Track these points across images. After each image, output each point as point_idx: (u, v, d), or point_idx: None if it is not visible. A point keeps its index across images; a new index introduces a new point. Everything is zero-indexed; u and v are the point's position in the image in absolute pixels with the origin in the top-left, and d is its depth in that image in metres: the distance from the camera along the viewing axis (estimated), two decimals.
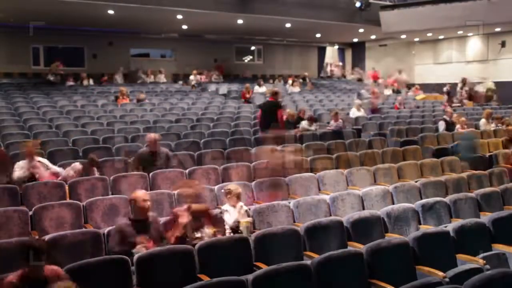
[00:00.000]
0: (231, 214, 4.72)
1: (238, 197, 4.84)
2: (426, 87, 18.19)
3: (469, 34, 18.68)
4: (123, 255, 3.73)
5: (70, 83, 14.32)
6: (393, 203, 5.56)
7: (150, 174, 6.12)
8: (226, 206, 4.81)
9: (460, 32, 18.20)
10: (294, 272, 3.51)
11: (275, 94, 8.92)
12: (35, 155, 6.00)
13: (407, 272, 3.89)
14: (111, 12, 13.03)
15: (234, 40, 19.40)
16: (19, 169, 5.79)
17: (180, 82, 16.48)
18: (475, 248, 4.27)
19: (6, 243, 3.99)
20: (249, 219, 4.69)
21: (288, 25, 16.20)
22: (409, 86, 18.24)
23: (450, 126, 10.09)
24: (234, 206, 4.78)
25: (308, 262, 3.72)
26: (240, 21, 15.38)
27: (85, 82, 14.82)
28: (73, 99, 11.74)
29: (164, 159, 6.49)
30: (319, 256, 3.77)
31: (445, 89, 17.02)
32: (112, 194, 5.63)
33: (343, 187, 6.40)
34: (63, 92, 12.16)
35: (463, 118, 10.23)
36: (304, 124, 9.81)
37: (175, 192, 5.41)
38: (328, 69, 21.56)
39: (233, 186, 4.93)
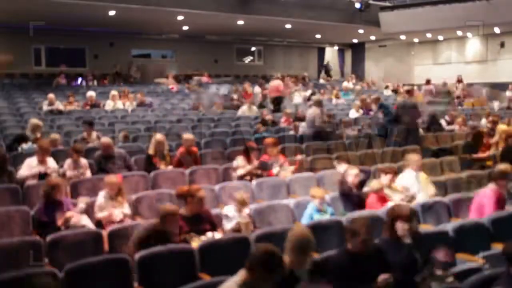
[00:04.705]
0: (233, 218, 4.71)
1: (244, 204, 4.83)
2: None
3: (468, 35, 18.72)
4: None
5: (63, 80, 14.37)
6: None
7: (151, 174, 6.16)
8: (228, 210, 4.80)
9: (459, 33, 18.24)
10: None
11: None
12: (49, 154, 6.01)
13: None
14: (112, 13, 13.07)
15: (235, 41, 19.46)
16: (28, 168, 5.77)
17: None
18: (475, 247, 4.28)
19: (7, 242, 4.03)
20: (248, 219, 4.69)
21: (288, 26, 16.25)
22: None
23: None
24: (239, 211, 4.78)
25: None
26: (240, 22, 15.42)
27: (90, 82, 14.92)
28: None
29: (121, 161, 6.42)
30: (319, 255, 3.79)
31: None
32: None
33: None
34: (65, 93, 12.19)
35: (459, 119, 10.25)
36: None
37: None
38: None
39: (241, 194, 4.86)
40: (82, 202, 4.79)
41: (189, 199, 4.50)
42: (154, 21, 14.76)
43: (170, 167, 6.48)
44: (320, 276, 3.34)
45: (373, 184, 5.36)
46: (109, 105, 11.06)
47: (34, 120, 7.79)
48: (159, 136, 6.67)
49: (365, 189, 5.48)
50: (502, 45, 18.37)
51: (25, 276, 3.22)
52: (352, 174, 5.43)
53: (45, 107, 10.40)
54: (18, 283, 3.15)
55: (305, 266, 3.31)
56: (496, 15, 14.43)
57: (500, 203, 4.99)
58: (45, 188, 4.74)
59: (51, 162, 6.01)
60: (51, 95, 10.68)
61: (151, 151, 6.56)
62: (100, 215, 4.88)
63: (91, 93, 11.40)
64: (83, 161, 6.25)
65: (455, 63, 19.75)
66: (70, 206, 4.79)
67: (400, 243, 3.68)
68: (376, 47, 21.82)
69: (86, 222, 4.70)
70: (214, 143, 8.26)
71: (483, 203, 5.04)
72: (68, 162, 6.13)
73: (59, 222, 4.58)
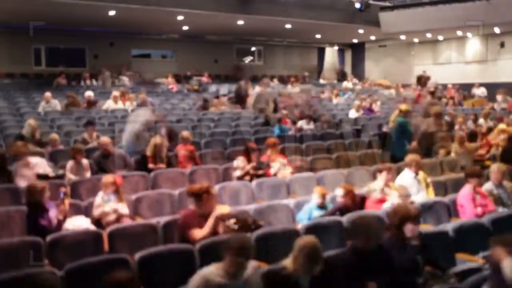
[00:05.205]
0: None
1: None
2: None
3: (468, 35, 18.71)
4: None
5: (63, 80, 14.39)
6: None
7: (151, 174, 6.16)
8: None
9: (459, 33, 18.23)
10: None
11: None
12: (25, 155, 5.98)
13: None
14: (112, 13, 13.07)
15: (235, 41, 19.46)
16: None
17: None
18: (475, 247, 4.28)
19: (7, 242, 4.03)
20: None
21: (288, 26, 16.25)
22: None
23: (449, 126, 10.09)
24: None
25: None
26: (240, 22, 15.42)
27: (88, 82, 14.91)
28: None
29: (121, 161, 6.47)
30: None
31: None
32: None
33: None
34: (65, 93, 12.20)
35: (460, 119, 10.21)
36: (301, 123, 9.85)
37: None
38: None
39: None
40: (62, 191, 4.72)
41: (205, 196, 4.42)
42: (154, 21, 14.76)
43: (162, 165, 6.52)
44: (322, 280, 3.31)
45: (373, 192, 5.33)
46: (109, 105, 11.05)
47: (31, 121, 7.77)
48: (158, 139, 6.69)
49: (364, 189, 5.47)
50: (502, 45, 18.35)
51: (25, 276, 3.22)
52: (338, 195, 5.12)
53: (41, 108, 10.45)
54: (18, 283, 3.15)
55: (310, 273, 3.28)
56: (496, 15, 14.43)
57: (476, 200, 5.16)
58: (30, 192, 4.59)
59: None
60: (47, 93, 10.77)
61: (148, 152, 6.58)
62: (94, 213, 4.88)
63: (89, 93, 11.46)
64: (85, 161, 6.26)
65: (455, 63, 19.74)
66: (54, 209, 4.60)
67: (405, 244, 3.62)
68: (376, 47, 21.83)
69: (84, 222, 4.70)
70: (214, 143, 8.28)
71: (462, 203, 5.19)
72: (70, 163, 6.13)
73: (60, 216, 4.55)
